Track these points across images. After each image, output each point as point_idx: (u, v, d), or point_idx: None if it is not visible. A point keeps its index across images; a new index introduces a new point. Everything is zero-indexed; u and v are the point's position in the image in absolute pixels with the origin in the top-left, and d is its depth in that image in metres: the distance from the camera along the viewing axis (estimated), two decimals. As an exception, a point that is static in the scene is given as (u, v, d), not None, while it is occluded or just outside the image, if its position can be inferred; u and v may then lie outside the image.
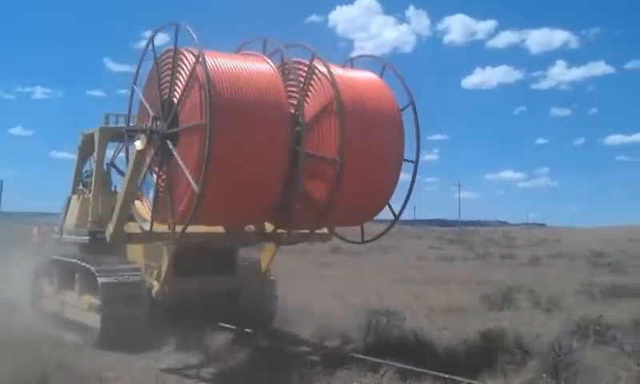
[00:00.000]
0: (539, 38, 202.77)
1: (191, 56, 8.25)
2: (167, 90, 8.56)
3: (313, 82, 9.15)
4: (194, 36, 8.03)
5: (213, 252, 10.82)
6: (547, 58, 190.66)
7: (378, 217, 10.35)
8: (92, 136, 12.59)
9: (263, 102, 8.36)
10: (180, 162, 8.08)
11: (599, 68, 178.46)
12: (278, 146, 8.47)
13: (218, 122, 7.70)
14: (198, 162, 7.81)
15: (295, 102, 8.94)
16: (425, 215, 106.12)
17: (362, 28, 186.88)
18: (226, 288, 11.50)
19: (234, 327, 11.55)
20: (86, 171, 13.41)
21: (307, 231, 9.69)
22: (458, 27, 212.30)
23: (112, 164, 13.06)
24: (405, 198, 9.73)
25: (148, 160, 8.94)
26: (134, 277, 10.85)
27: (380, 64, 10.22)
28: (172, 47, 8.58)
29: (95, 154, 12.50)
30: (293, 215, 9.15)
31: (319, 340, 11.22)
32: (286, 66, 9.36)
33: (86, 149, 13.13)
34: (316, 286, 17.40)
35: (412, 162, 9.65)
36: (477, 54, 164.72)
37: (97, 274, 10.75)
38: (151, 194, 8.82)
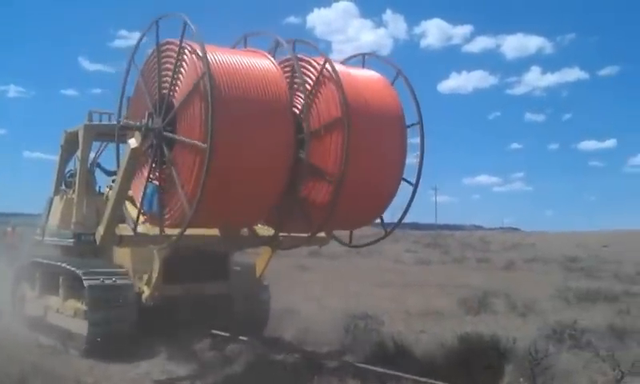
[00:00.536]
0: (514, 44, 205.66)
1: (196, 60, 7.59)
2: (167, 88, 7.97)
3: (320, 85, 8.55)
4: (193, 28, 7.47)
5: (205, 256, 10.44)
6: (522, 64, 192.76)
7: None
8: (76, 134, 12.19)
9: (269, 115, 7.91)
10: (174, 173, 7.70)
11: (573, 74, 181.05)
12: (281, 156, 8.02)
13: (220, 144, 7.17)
14: (196, 173, 7.40)
15: (296, 101, 8.49)
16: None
17: (340, 30, 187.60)
18: (218, 293, 11.12)
19: (227, 334, 11.29)
20: (70, 171, 12.95)
21: (305, 235, 9.22)
22: (434, 32, 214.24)
23: (96, 164, 12.68)
24: (403, 210, 9.33)
25: (145, 170, 8.40)
26: (123, 280, 10.45)
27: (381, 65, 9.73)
28: (175, 40, 7.92)
29: (79, 153, 12.05)
30: (293, 219, 8.77)
31: (299, 343, 11.21)
32: (288, 65, 8.74)
33: (69, 147, 12.70)
34: (296, 290, 17.41)
35: (412, 184, 9.16)
36: (453, 58, 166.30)
37: (83, 277, 10.30)
38: (154, 209, 8.18)
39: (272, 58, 8.54)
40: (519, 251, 45.96)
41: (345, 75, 8.58)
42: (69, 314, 10.91)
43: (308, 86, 8.51)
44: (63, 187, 12.81)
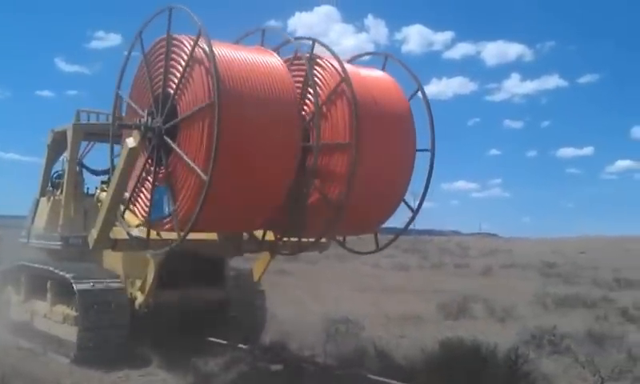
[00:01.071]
0: (495, 51, 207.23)
1: (188, 40, 7.29)
2: (160, 83, 7.58)
3: (321, 75, 8.20)
4: (195, 18, 7.02)
5: (201, 261, 10.05)
6: (502, 71, 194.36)
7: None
8: (64, 133, 11.85)
9: (273, 88, 7.49)
10: (183, 155, 7.09)
11: (553, 81, 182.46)
12: (290, 137, 7.60)
13: (226, 102, 6.70)
14: (204, 151, 6.88)
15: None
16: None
17: (321, 35, 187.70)
18: (214, 299, 10.81)
19: (224, 342, 10.93)
20: (56, 172, 12.51)
21: (307, 240, 8.82)
22: (415, 37, 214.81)
23: (81, 164, 12.24)
24: (423, 189, 8.80)
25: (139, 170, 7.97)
26: (115, 285, 10.03)
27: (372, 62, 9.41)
28: (162, 37, 7.64)
29: (68, 153, 11.67)
30: (296, 223, 8.31)
31: (281, 349, 11.05)
32: (294, 59, 8.43)
33: (56, 147, 12.36)
34: (276, 294, 17.30)
35: (428, 150, 8.71)
36: (434, 64, 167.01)
37: (73, 282, 9.83)
38: (166, 212, 7.56)
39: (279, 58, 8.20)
40: (497, 257, 46.21)
41: (355, 76, 8.22)
42: (57, 320, 10.50)
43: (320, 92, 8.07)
44: (50, 188, 12.42)
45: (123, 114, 8.75)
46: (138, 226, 8.23)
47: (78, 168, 12.00)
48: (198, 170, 6.82)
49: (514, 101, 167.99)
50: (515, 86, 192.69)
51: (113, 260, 10.39)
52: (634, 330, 13.56)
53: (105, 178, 11.80)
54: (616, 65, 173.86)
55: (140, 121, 7.56)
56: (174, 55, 7.48)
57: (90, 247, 8.45)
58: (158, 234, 7.95)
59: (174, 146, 7.23)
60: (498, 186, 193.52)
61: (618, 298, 18.71)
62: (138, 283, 9.90)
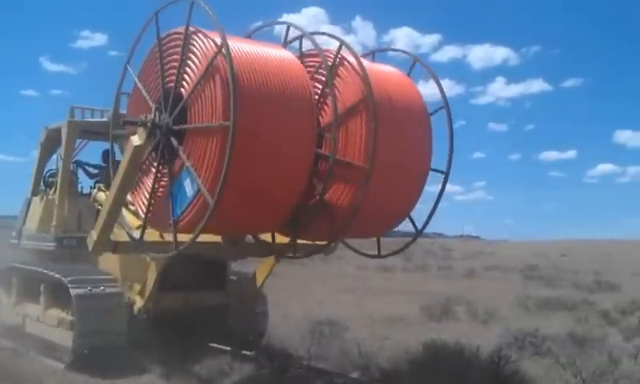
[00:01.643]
0: (481, 54, 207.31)
1: (209, 42, 6.79)
2: (173, 79, 7.05)
3: (340, 76, 7.74)
4: (212, 15, 6.57)
5: (203, 265, 9.61)
6: (487, 74, 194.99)
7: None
8: (58, 131, 11.50)
9: (291, 97, 7.11)
10: (190, 168, 6.71)
11: (537, 85, 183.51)
12: (304, 150, 7.23)
13: (242, 125, 6.31)
14: (212, 170, 6.54)
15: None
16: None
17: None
18: (215, 304, 10.46)
19: (227, 348, 10.57)
20: (50, 170, 12.17)
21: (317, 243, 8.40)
22: (403, 40, 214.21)
23: (78, 162, 11.97)
24: (430, 210, 8.54)
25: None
26: (112, 289, 9.58)
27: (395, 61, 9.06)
28: (180, 29, 7.10)
29: (62, 151, 11.31)
30: (313, 226, 7.83)
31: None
32: (307, 56, 8.05)
33: (50, 145, 12.04)
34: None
35: (442, 172, 8.49)
36: (420, 66, 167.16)
37: (69, 286, 9.39)
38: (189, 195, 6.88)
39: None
40: (480, 260, 46.47)
41: (376, 82, 7.70)
42: (51, 324, 10.06)
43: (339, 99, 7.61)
44: (43, 187, 12.06)
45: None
46: (138, 228, 7.84)
47: (73, 167, 11.74)
48: (205, 191, 6.50)
49: (499, 104, 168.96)
50: (500, 90, 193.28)
51: (109, 262, 9.99)
52: (614, 332, 13.72)
53: (97, 179, 11.75)
54: (599, 69, 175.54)
55: (146, 117, 7.11)
56: (191, 54, 6.97)
57: (90, 249, 8.10)
58: (161, 236, 7.75)
59: (181, 154, 6.84)
60: (482, 188, 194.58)
61: (599, 301, 18.89)
62: (137, 287, 9.61)
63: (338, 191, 7.58)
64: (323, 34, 8.49)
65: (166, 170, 7.16)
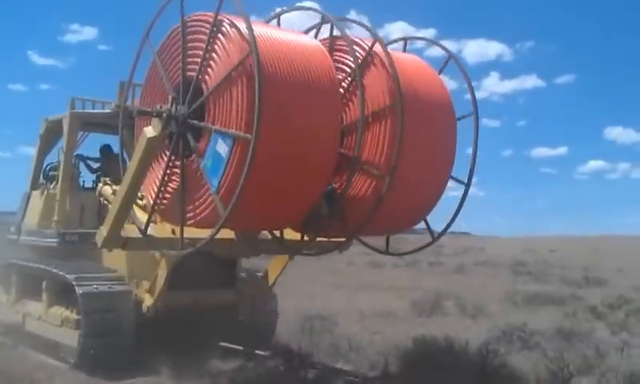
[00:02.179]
0: (476, 49, 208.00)
1: (238, 35, 6.34)
2: (194, 68, 6.65)
3: (368, 74, 7.44)
4: (239, 5, 6.28)
5: (213, 262, 9.16)
6: (482, 69, 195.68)
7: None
8: (59, 123, 11.10)
9: (318, 92, 6.78)
10: (219, 128, 6.34)
11: (530, 81, 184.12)
12: (330, 143, 6.95)
13: (265, 138, 5.99)
14: (244, 111, 6.15)
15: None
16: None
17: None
18: (225, 302, 10.07)
19: (238, 347, 10.11)
20: (50, 164, 11.79)
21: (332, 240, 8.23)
22: (398, 34, 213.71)
23: (82, 157, 11.67)
24: (453, 214, 8.38)
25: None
26: (119, 287, 9.32)
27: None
28: (204, 14, 6.75)
29: (64, 144, 10.88)
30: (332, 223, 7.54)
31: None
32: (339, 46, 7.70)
33: (50, 138, 11.69)
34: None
35: (464, 183, 8.34)
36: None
37: (75, 284, 9.09)
38: (223, 164, 6.33)
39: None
40: (469, 255, 46.71)
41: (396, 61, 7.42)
42: (54, 323, 9.78)
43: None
44: (43, 181, 11.67)
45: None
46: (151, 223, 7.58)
47: (75, 160, 11.44)
48: (240, 133, 6.10)
49: (493, 99, 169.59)
50: (494, 85, 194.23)
51: (115, 259, 9.59)
52: (601, 326, 13.86)
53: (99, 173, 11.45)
54: (592, 66, 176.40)
55: (162, 107, 6.74)
56: (217, 46, 6.58)
57: (99, 246, 7.84)
58: (172, 232, 7.46)
59: (206, 124, 6.46)
60: (474, 184, 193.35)
61: (587, 296, 19.07)
62: (145, 284, 9.30)
63: (358, 189, 7.39)
64: (353, 21, 8.20)
65: (179, 162, 6.84)
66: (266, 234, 8.47)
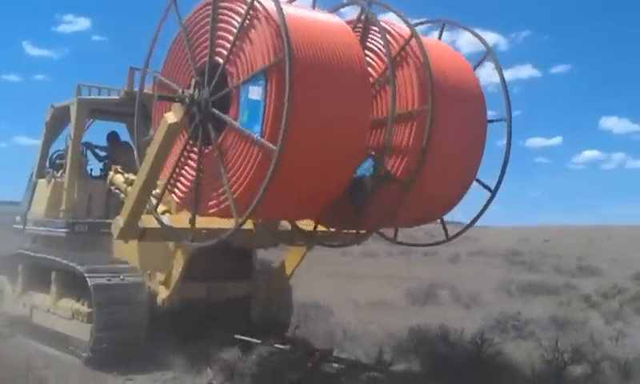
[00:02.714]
0: (471, 39, 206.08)
1: (271, 30, 5.94)
2: (208, 50, 6.37)
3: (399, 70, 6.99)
4: None
5: (228, 252, 8.71)
6: (476, 59, 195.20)
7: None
8: (66, 109, 10.82)
9: (344, 63, 6.39)
10: (242, 128, 6.00)
11: (526, 71, 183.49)
12: (361, 121, 6.59)
13: (298, 56, 5.69)
14: (270, 117, 5.81)
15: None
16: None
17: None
18: (240, 294, 9.81)
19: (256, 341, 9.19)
20: (57, 151, 11.48)
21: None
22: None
23: (89, 145, 11.44)
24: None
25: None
26: (133, 279, 8.96)
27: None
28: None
29: (72, 131, 10.61)
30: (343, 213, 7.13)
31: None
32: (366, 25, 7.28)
33: (56, 125, 11.42)
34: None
35: (490, 190, 8.07)
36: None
37: (87, 275, 8.76)
38: (261, 107, 5.92)
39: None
40: (464, 245, 46.64)
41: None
42: (64, 316, 9.49)
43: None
44: (49, 169, 11.30)
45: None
46: (163, 213, 7.44)
47: (82, 148, 11.14)
48: (264, 142, 5.75)
49: (488, 90, 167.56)
50: (489, 75, 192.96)
51: (126, 249, 9.19)
52: (596, 316, 13.90)
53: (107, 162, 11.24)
54: (587, 56, 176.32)
55: (183, 92, 6.45)
56: (226, 17, 6.33)
57: (115, 237, 7.64)
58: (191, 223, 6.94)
59: (227, 117, 6.13)
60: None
61: (581, 285, 19.13)
62: (159, 276, 8.95)
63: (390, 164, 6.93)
64: (386, 6, 7.59)
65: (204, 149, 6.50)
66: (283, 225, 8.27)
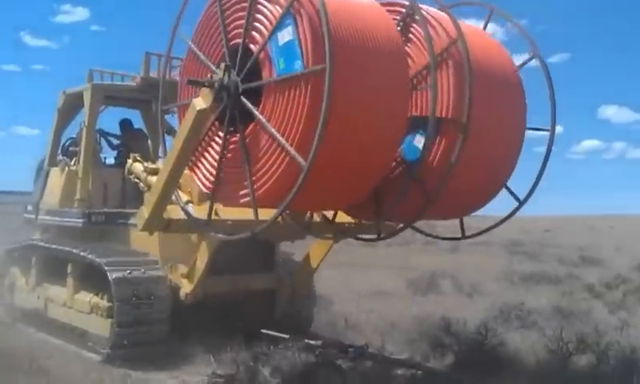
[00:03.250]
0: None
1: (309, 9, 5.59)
2: (239, 34, 6.02)
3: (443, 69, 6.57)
4: None
5: (252, 245, 8.10)
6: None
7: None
8: (79, 95, 10.54)
9: (384, 47, 6.05)
10: (271, 129, 5.65)
11: (523, 60, 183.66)
12: (400, 107, 6.24)
13: (338, 68, 5.29)
14: (301, 126, 5.53)
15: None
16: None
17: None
18: (263, 288, 9.67)
19: (284, 336, 8.75)
20: (70, 139, 11.17)
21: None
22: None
23: (103, 132, 11.22)
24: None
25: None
26: (154, 272, 8.66)
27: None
28: None
29: (86, 118, 10.32)
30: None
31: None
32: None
33: (68, 111, 11.08)
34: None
35: (519, 200, 8.07)
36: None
37: (107, 268, 8.47)
38: (299, 61, 5.64)
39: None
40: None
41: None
42: (82, 310, 9.19)
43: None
44: (62, 157, 10.92)
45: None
46: (187, 203, 7.22)
47: (96, 136, 10.88)
48: (294, 153, 5.44)
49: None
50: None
51: (145, 241, 8.84)
52: (599, 305, 13.79)
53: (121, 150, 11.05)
54: (585, 45, 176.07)
55: (211, 77, 6.14)
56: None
57: (140, 228, 7.36)
58: (215, 214, 6.78)
59: (256, 113, 5.82)
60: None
61: (583, 275, 19.00)
62: (182, 269, 8.67)
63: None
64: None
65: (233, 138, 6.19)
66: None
